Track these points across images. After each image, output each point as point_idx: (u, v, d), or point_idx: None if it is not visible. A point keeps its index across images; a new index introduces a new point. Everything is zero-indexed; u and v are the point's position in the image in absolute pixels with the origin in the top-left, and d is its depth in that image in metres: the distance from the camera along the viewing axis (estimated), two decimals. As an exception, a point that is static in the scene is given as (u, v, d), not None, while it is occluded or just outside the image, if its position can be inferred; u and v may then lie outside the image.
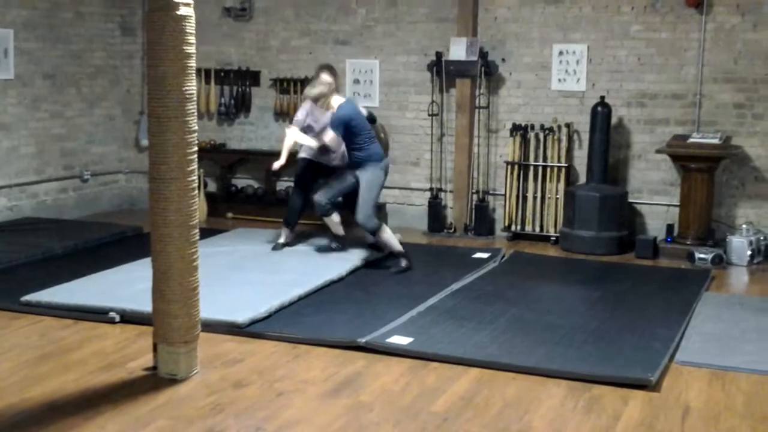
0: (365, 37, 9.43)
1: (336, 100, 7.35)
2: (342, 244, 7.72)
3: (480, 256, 7.91)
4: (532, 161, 8.80)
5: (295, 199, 7.93)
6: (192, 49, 4.74)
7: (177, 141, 4.70)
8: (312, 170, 7.79)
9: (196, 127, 4.84)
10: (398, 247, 7.36)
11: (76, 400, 4.55)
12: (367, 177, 7.28)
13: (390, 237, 7.35)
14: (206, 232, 8.26)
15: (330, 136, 7.21)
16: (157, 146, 4.73)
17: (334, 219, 7.59)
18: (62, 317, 5.91)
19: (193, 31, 4.75)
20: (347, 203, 7.59)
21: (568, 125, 8.68)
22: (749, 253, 7.80)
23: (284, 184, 9.82)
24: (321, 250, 7.78)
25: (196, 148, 4.84)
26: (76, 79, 9.75)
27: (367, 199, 7.25)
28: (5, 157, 8.94)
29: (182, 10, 4.66)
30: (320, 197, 7.43)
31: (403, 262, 7.27)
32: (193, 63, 4.76)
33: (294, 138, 7.46)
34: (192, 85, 4.76)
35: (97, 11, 9.98)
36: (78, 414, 4.35)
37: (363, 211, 7.24)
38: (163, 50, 4.64)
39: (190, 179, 4.77)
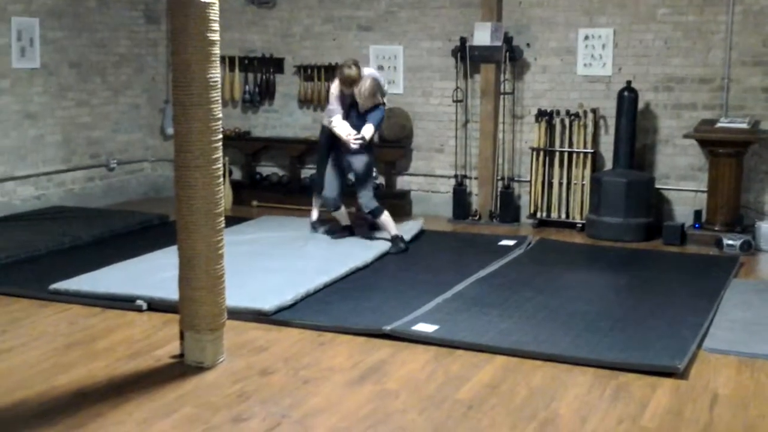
0: (389, 23, 9.39)
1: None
2: (349, 232, 7.92)
3: (506, 243, 7.87)
4: (557, 147, 8.74)
5: (320, 171, 7.96)
6: (216, 37, 4.74)
7: (202, 128, 4.71)
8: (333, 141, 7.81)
9: (221, 115, 4.85)
10: (395, 231, 7.56)
11: (103, 387, 4.59)
12: (360, 160, 7.54)
13: (388, 220, 7.57)
14: (232, 220, 8.30)
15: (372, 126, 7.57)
16: (182, 134, 4.73)
17: (343, 211, 7.83)
18: (90, 305, 5.95)
19: (217, 19, 4.75)
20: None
21: (594, 110, 8.60)
22: (778, 239, 7.72)
23: (308, 172, 9.81)
24: (329, 231, 7.94)
25: (220, 136, 4.84)
26: (101, 68, 9.79)
27: (366, 182, 7.60)
28: (32, 145, 9.01)
29: (206, -2, 4.65)
30: (329, 193, 7.67)
31: (402, 245, 7.49)
32: (217, 50, 4.76)
33: (342, 126, 7.51)
34: (216, 73, 4.76)
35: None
36: (105, 401, 4.38)
37: (365, 194, 7.58)
38: (187, 38, 4.64)
39: (215, 167, 4.78)
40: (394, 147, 9.30)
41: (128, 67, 10.16)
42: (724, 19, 8.16)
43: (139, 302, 5.87)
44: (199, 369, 4.80)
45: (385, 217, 7.58)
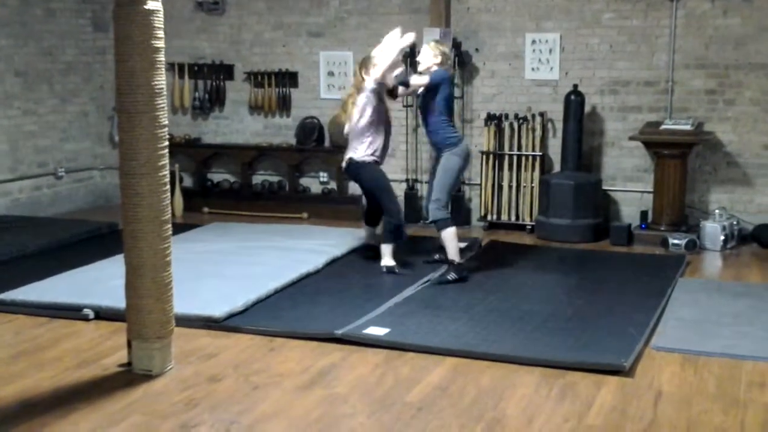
0: (338, 29, 9.42)
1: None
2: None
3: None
4: (507, 150, 8.83)
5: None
6: (161, 44, 4.72)
7: (147, 136, 4.68)
8: None
9: (167, 122, 4.82)
10: (453, 256, 6.71)
11: (50, 397, 4.54)
12: (444, 160, 6.87)
13: (451, 240, 6.70)
14: (182, 227, 8.29)
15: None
16: (128, 142, 4.71)
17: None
18: (37, 315, 5.88)
19: (162, 26, 4.72)
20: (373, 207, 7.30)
21: (542, 114, 8.71)
22: (722, 238, 7.86)
23: (260, 178, 9.81)
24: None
25: (166, 143, 4.81)
26: (48, 76, 9.68)
27: (440, 187, 6.81)
28: (-22, 155, 8.88)
29: (150, 5, 4.63)
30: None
31: (450, 275, 6.65)
32: (162, 57, 4.74)
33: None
34: (162, 80, 4.74)
35: (68, 7, 9.91)
36: (52, 411, 4.34)
37: (433, 201, 6.81)
38: (132, 45, 4.62)
39: (161, 174, 4.76)
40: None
41: (76, 75, 10.06)
42: (668, 23, 8.31)
43: (86, 311, 5.81)
44: (147, 377, 4.77)
45: (447, 235, 6.72)
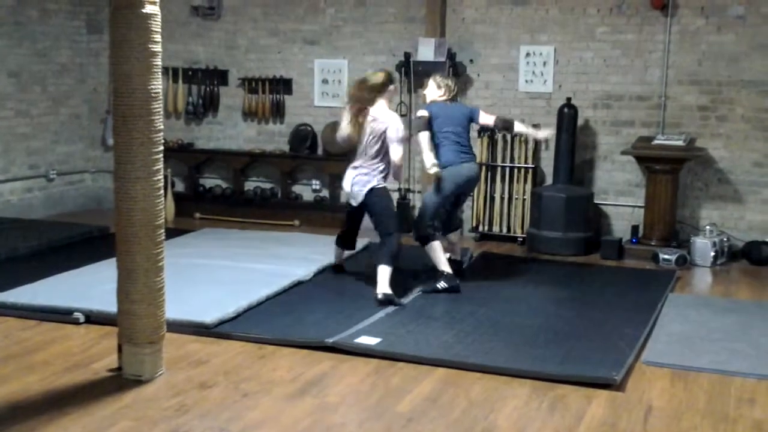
0: (334, 37, 9.43)
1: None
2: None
3: (448, 256, 7.90)
4: (499, 162, 8.85)
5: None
6: (158, 48, 4.71)
7: (142, 140, 4.67)
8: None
9: (162, 126, 4.81)
10: (442, 267, 6.76)
11: (39, 401, 4.51)
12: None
13: (435, 252, 6.76)
14: (174, 232, 8.26)
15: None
16: (123, 145, 4.70)
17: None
18: (26, 318, 5.85)
19: (159, 30, 4.72)
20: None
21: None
22: (713, 254, 7.89)
23: (252, 184, 9.80)
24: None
25: (161, 148, 4.81)
26: (41, 78, 9.66)
27: (425, 204, 6.93)
28: (-31, 155, 8.84)
29: (147, 9, 4.63)
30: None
31: (440, 284, 6.69)
32: (158, 61, 4.73)
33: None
34: (158, 84, 4.74)
35: (63, 9, 9.90)
36: (41, 415, 4.31)
37: (418, 217, 6.96)
38: (129, 49, 4.61)
39: (155, 179, 4.75)
40: (339, 160, 9.29)
41: (69, 77, 10.04)
42: (662, 38, 8.35)
43: (76, 315, 5.78)
44: (138, 382, 4.75)
45: (430, 249, 6.78)
